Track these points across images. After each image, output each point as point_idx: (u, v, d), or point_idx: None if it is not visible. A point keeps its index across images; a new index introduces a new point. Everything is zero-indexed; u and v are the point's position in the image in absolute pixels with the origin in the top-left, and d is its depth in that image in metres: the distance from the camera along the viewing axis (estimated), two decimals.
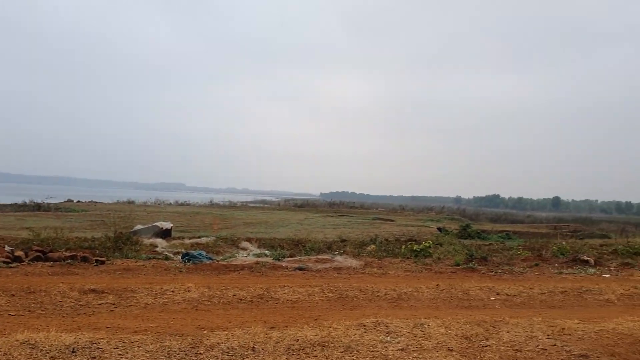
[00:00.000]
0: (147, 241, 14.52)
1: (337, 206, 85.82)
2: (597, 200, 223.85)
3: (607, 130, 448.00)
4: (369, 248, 15.37)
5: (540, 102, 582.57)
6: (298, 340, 5.34)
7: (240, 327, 5.94)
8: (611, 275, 11.97)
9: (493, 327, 6.36)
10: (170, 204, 62.65)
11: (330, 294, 8.38)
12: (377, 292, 8.75)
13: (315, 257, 12.70)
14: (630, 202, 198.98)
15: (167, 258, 12.06)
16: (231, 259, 12.29)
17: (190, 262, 11.45)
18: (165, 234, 17.12)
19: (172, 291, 8.07)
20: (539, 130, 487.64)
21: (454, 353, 5.19)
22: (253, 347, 5.07)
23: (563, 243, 17.81)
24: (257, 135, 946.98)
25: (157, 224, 18.01)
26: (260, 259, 12.02)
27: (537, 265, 12.90)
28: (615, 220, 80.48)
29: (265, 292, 8.25)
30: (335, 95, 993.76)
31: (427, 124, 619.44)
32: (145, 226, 17.84)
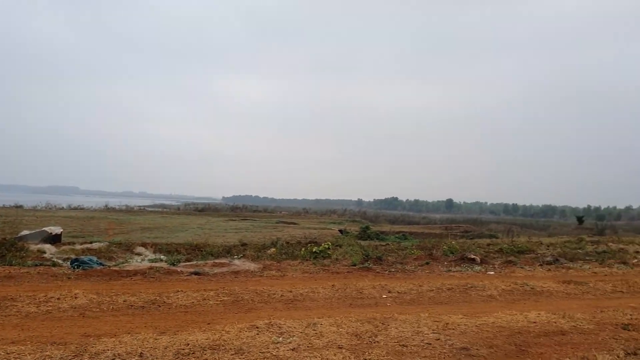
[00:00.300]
0: (34, 247, 13.67)
1: (239, 210, 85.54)
2: (486, 203, 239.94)
3: (493, 136, 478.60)
4: (269, 251, 15.39)
5: (436, 111, 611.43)
6: (188, 344, 5.29)
7: (129, 333, 5.78)
8: (495, 272, 12.68)
9: (382, 323, 6.64)
10: (62, 208, 59.36)
11: (226, 298, 8.32)
12: (274, 294, 8.78)
13: (212, 261, 12.51)
14: (516, 204, 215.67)
15: (54, 264, 11.41)
16: (124, 264, 11.84)
17: (80, 268, 10.91)
18: (54, 239, 16.24)
19: (58, 298, 7.66)
20: (433, 136, 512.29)
21: (344, 350, 5.36)
22: (141, 352, 4.96)
23: (453, 242, 18.88)
24: (156, 137, 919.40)
25: (46, 229, 17.07)
26: (154, 264, 11.67)
27: (427, 263, 13.44)
28: (502, 221, 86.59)
29: (158, 298, 8.03)
30: (239, 97, 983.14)
31: (331, 129, 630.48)
32: (33, 231, 16.82)
